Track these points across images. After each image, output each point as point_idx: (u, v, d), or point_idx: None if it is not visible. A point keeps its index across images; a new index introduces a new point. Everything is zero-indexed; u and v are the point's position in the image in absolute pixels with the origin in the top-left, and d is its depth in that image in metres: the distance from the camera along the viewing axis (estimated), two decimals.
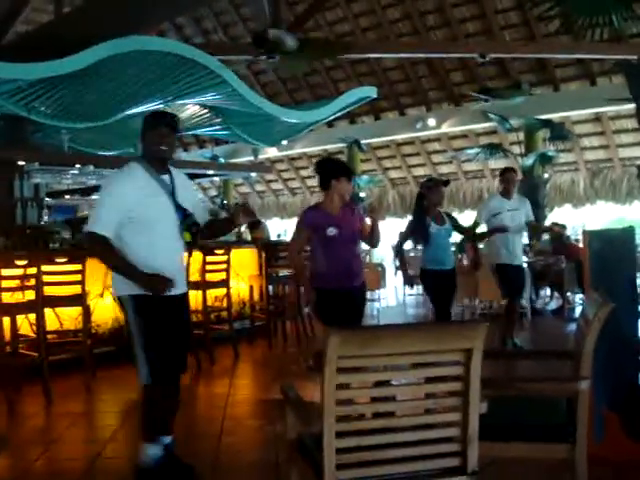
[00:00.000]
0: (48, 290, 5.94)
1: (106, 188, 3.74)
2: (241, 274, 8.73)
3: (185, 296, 3.91)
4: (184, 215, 3.71)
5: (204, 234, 3.94)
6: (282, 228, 19.86)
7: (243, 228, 9.48)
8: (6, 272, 5.62)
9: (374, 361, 2.32)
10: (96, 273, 6.96)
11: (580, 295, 10.83)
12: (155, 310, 3.61)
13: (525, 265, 10.00)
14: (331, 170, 4.89)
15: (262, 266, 8.66)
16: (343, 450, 2.28)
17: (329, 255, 4.78)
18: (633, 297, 3.99)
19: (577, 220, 13.38)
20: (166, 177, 3.72)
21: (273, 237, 13.87)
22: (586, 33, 5.78)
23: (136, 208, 3.55)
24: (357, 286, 4.91)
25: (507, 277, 7.32)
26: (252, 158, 17.06)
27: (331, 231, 4.72)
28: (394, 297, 13.91)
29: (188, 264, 5.67)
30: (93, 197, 14.23)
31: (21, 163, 9.04)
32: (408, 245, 8.13)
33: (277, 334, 8.44)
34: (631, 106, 4.75)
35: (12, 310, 5.81)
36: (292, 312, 8.37)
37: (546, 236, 12.14)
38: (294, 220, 21.26)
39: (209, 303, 7.50)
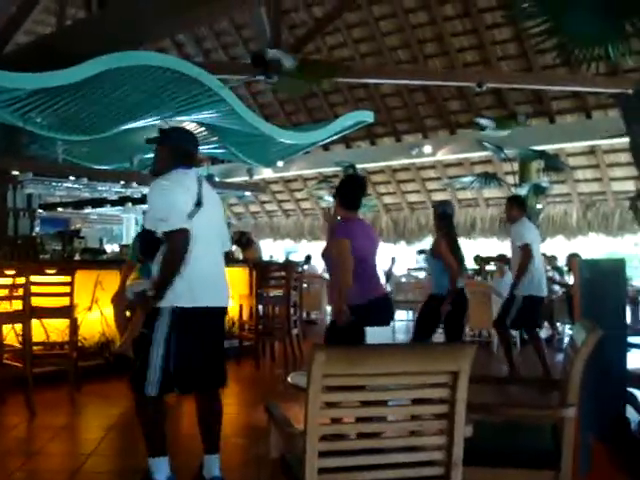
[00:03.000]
0: (36, 301, 5.91)
1: None
2: (231, 293, 8.68)
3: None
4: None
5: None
6: (274, 250, 19.85)
7: (234, 247, 9.47)
8: None
9: (360, 381, 2.30)
10: (85, 286, 6.96)
11: (570, 326, 10.81)
12: (194, 322, 3.71)
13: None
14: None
15: (252, 286, 8.62)
16: (325, 470, 2.26)
17: None
18: (621, 327, 3.99)
19: (569, 251, 13.44)
20: None
21: (265, 257, 13.86)
22: (582, 65, 5.82)
23: None
24: None
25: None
26: (247, 178, 17.06)
27: None
28: None
29: None
30: (85, 210, 14.22)
31: (15, 173, 9.03)
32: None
33: (265, 354, 8.39)
34: (625, 140, 4.77)
35: None
36: (281, 333, 8.32)
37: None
38: (286, 242, 20.99)
39: None
